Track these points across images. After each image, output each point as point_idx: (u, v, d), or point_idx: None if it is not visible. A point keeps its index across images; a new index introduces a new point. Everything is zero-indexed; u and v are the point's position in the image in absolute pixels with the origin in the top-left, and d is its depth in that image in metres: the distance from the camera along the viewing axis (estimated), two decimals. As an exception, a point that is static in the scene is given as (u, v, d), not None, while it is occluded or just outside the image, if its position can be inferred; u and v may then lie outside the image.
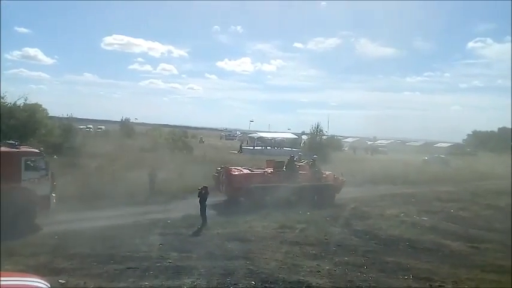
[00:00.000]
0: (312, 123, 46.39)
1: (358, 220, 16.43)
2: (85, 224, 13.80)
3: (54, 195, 14.63)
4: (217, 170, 20.64)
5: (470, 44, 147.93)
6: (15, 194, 13.16)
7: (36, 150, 14.92)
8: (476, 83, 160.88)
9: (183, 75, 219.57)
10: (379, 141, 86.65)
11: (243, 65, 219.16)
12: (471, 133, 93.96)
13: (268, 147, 52.07)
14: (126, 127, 66.26)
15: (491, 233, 15.93)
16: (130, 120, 71.96)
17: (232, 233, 13.84)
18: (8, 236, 11.29)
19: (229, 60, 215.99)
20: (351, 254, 12.07)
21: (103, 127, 78.29)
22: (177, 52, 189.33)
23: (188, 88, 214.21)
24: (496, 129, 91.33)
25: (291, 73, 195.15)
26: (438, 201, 22.05)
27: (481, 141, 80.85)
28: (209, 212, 15.79)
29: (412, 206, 20.04)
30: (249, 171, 20.34)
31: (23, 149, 14.70)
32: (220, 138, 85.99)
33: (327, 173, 21.74)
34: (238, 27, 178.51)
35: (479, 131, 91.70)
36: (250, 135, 65.96)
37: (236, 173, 19.75)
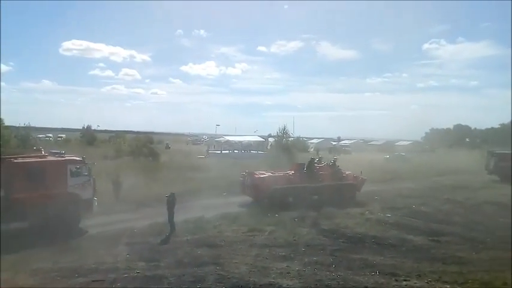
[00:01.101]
0: (278, 126, 46.75)
1: (326, 219, 16.71)
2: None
3: (95, 199, 15.96)
4: (242, 174, 21.87)
5: (426, 46, 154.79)
6: (63, 198, 14.56)
7: (80, 159, 16.18)
8: (432, 82, 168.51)
9: (147, 80, 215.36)
10: (343, 142, 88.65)
11: (208, 68, 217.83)
12: (429, 131, 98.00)
13: (235, 151, 51.98)
14: (87, 135, 64.06)
15: (450, 227, 16.67)
16: (92, 128, 69.59)
17: (201, 238, 13.74)
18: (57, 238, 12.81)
19: (194, 64, 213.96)
20: (320, 254, 12.26)
21: (63, 135, 75.27)
22: (140, 57, 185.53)
23: (152, 93, 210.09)
24: (451, 127, 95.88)
25: (256, 76, 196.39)
26: (400, 197, 22.81)
27: (439, 138, 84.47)
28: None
29: (376, 204, 20.61)
30: (271, 174, 21.63)
31: (68, 157, 16.12)
32: (187, 143, 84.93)
33: (347, 172, 22.83)
34: (202, 31, 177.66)
35: (437, 129, 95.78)
36: (216, 139, 65.60)
37: (259, 176, 20.98)
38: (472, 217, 18.49)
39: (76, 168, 15.49)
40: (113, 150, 41.68)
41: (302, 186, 20.57)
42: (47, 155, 16.29)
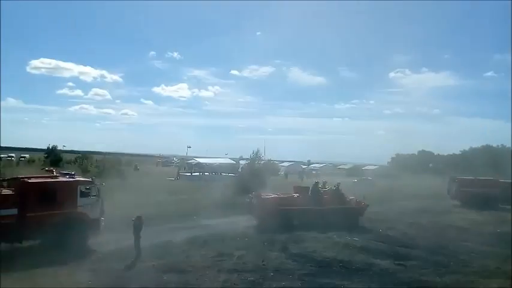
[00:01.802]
0: (250, 148, 46.97)
1: (294, 244, 16.72)
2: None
3: (103, 218, 16.32)
4: (249, 196, 22.44)
5: (392, 74, 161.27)
6: (73, 217, 15.15)
7: (89, 180, 17.26)
8: (398, 109, 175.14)
9: (117, 101, 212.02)
10: (312, 165, 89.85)
11: (180, 90, 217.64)
12: (395, 156, 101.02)
13: (206, 173, 51.58)
14: (52, 155, 61.86)
15: (416, 250, 17.04)
16: (58, 148, 67.30)
17: (168, 263, 13.41)
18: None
19: (166, 86, 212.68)
20: (288, 278, 12.26)
21: (27, 155, 72.32)
22: (111, 77, 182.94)
23: (122, 114, 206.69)
24: (416, 152, 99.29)
25: (228, 99, 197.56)
26: (368, 221, 23.18)
27: (403, 163, 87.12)
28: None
29: (342, 228, 20.82)
30: (277, 196, 22.18)
31: (78, 178, 16.87)
32: (157, 165, 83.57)
33: (351, 197, 23.18)
34: (175, 53, 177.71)
35: (402, 154, 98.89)
36: (187, 161, 64.96)
37: (266, 197, 21.60)
38: (436, 241, 18.99)
39: (86, 188, 16.16)
40: (79, 171, 40.36)
41: (307, 209, 21.03)
42: (58, 176, 17.04)
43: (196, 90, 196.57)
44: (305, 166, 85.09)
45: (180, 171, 54.57)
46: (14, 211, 14.18)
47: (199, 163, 56.93)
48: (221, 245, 15.86)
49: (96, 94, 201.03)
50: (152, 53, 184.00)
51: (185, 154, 76.29)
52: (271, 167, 61.39)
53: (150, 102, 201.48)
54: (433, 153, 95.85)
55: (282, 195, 22.55)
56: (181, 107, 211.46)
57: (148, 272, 12.48)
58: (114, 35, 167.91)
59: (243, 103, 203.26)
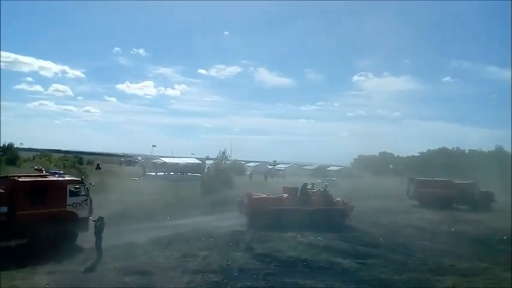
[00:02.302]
0: (217, 148, 46.93)
1: (259, 243, 16.82)
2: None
3: (91, 217, 16.02)
4: (241, 195, 23.05)
5: (355, 77, 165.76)
6: (62, 217, 15.27)
7: (78, 179, 17.29)
8: (361, 112, 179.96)
9: (79, 97, 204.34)
10: (278, 166, 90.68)
11: (146, 88, 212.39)
12: (357, 157, 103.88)
13: (171, 173, 50.84)
14: (8, 153, 58.77)
15: (375, 249, 17.61)
16: (15, 146, 63.99)
17: (131, 265, 13.14)
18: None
19: (131, 83, 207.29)
20: (253, 278, 12.36)
21: (-22, 153, 68.35)
22: (73, 72, 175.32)
23: (84, 111, 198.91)
24: (377, 154, 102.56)
25: (195, 98, 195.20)
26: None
27: (365, 164, 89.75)
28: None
29: (307, 228, 21.18)
30: (267, 196, 23.03)
31: (68, 177, 17.13)
32: (120, 164, 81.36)
33: (338, 198, 23.89)
34: (141, 50, 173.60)
35: (364, 155, 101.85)
36: (152, 160, 63.74)
37: (256, 197, 22.34)
38: (395, 240, 19.72)
39: (75, 188, 16.24)
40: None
41: (295, 209, 21.63)
42: (47, 175, 17.11)
43: (162, 88, 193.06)
44: (271, 166, 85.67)
45: (145, 171, 53.48)
46: (4, 209, 14.19)
47: (164, 163, 56.00)
48: (186, 246, 15.72)
49: (57, 90, 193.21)
50: (117, 49, 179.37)
51: (150, 153, 74.78)
52: (238, 167, 61.50)
53: (113, 99, 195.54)
54: (393, 155, 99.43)
55: (271, 196, 23.36)
56: (146, 105, 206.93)
57: (109, 274, 12.17)
58: (77, 29, 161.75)
59: (210, 102, 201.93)
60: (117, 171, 55.82)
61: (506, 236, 22.13)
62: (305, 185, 23.81)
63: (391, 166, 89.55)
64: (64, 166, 41.54)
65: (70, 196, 15.84)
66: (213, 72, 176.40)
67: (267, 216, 20.88)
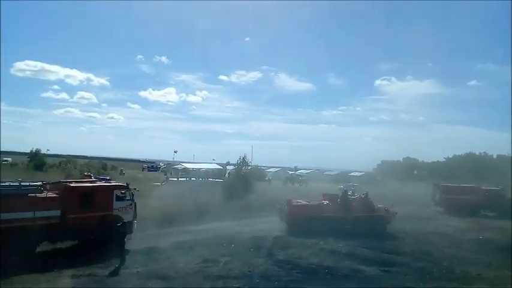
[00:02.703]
0: (237, 154, 46.94)
1: (280, 250, 16.73)
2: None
3: (135, 221, 17.21)
4: (281, 202, 23.23)
5: (378, 82, 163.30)
6: (108, 220, 15.88)
7: (124, 184, 17.78)
8: (383, 116, 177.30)
9: (103, 104, 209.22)
10: (299, 171, 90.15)
11: (168, 95, 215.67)
12: (380, 163, 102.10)
13: (192, 178, 51.26)
14: (36, 159, 60.66)
15: (400, 257, 17.22)
16: (42, 152, 65.98)
17: (153, 270, 13.28)
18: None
19: (153, 90, 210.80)
20: (274, 285, 12.28)
21: (9, 159, 70.58)
22: (97, 80, 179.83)
23: (108, 117, 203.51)
24: (401, 159, 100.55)
25: (216, 104, 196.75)
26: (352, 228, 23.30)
27: (389, 170, 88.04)
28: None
29: (330, 234, 20.91)
30: (307, 203, 22.90)
31: (114, 183, 18.02)
32: (142, 170, 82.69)
33: (379, 205, 23.59)
34: (163, 58, 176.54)
35: (387, 161, 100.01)
36: (174, 166, 64.49)
37: (297, 204, 22.35)
38: (420, 247, 19.21)
39: (121, 193, 16.92)
40: (63, 175, 39.70)
41: (336, 216, 21.54)
42: (96, 180, 18.12)
43: (184, 94, 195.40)
44: (292, 172, 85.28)
45: (167, 177, 54.12)
46: (57, 213, 14.96)
47: (186, 168, 56.57)
48: (207, 251, 15.76)
49: (82, 97, 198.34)
50: (140, 56, 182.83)
51: (172, 159, 75.60)
52: (258, 172, 61.47)
53: (136, 106, 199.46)
54: (418, 160, 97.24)
55: (312, 203, 23.24)
56: (168, 112, 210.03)
57: (132, 279, 12.33)
58: (101, 38, 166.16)
59: (230, 108, 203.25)
60: (140, 176, 56.70)
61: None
62: (345, 191, 23.82)
63: (415, 172, 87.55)
64: (89, 171, 42.39)
65: (116, 201, 16.62)
66: (233, 78, 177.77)
67: (307, 223, 20.84)
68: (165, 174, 57.64)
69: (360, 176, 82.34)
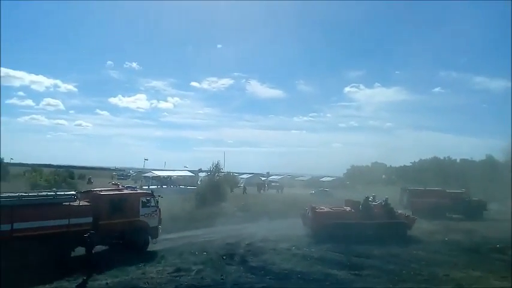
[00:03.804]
0: (209, 161, 46.69)
1: (253, 256, 16.75)
2: None
3: (160, 226, 18.42)
4: (305, 208, 24.04)
5: (347, 89, 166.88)
6: (136, 225, 17.18)
7: (149, 192, 19.33)
8: (353, 123, 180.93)
9: (71, 111, 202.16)
10: (271, 177, 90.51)
11: (138, 101, 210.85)
12: (350, 168, 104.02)
13: (164, 186, 50.46)
14: (-3, 168, 57.95)
15: (370, 260, 17.57)
16: (5, 161, 63.21)
17: (123, 282, 12.95)
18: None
19: (123, 96, 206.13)
20: (247, 292, 12.20)
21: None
22: (65, 86, 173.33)
23: (76, 125, 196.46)
24: (370, 164, 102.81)
25: (188, 111, 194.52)
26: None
27: (358, 175, 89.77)
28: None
29: (302, 238, 21.14)
30: (330, 209, 23.45)
31: (140, 191, 19.70)
32: (112, 178, 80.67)
33: (399, 211, 24.78)
34: (134, 64, 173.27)
35: (357, 166, 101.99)
36: (144, 174, 63.23)
37: (320, 210, 22.92)
38: (389, 250, 19.66)
39: (147, 200, 18.06)
40: (27, 185, 38.16)
41: (358, 222, 22.15)
42: (123, 189, 19.13)
43: (155, 101, 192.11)
44: (264, 178, 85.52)
45: (142, 184, 53.02)
46: (89, 219, 15.81)
47: (157, 176, 55.64)
48: (179, 260, 15.55)
49: (49, 104, 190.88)
50: (109, 62, 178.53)
51: (142, 167, 74.03)
52: (231, 179, 61.22)
53: (106, 113, 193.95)
54: (386, 165, 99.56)
55: (334, 209, 23.81)
56: (138, 118, 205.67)
57: (102, 291, 11.98)
58: (69, 44, 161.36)
59: (202, 115, 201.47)
60: (109, 185, 55.33)
61: (499, 244, 22.23)
62: (367, 198, 24.24)
63: (384, 176, 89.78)
64: (55, 181, 41.08)
65: (142, 207, 17.73)
66: (205, 85, 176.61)
67: (331, 229, 21.46)
68: (135, 183, 56.43)
69: (330, 181, 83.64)
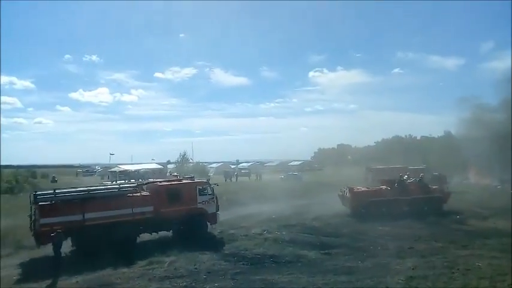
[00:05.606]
0: (177, 152, 46.22)
1: (226, 243, 16.90)
2: None
3: (218, 213, 19.40)
4: (342, 189, 25.45)
5: (311, 73, 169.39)
6: (194, 212, 18.48)
7: (205, 181, 20.70)
8: (318, 107, 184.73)
9: (29, 109, 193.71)
10: (241, 165, 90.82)
11: (100, 95, 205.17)
12: (317, 150, 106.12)
13: (131, 180, 49.49)
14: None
15: (339, 239, 18.19)
16: (-43, 163, 59.79)
17: (93, 279, 12.73)
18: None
19: (84, 91, 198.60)
20: (221, 279, 12.37)
21: None
22: (21, 83, 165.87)
23: (36, 122, 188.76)
24: (336, 146, 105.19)
25: (152, 102, 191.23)
26: (295, 214, 24.14)
27: (325, 157, 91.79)
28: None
29: (273, 223, 21.46)
30: (367, 189, 25.42)
31: (197, 180, 20.80)
32: (76, 175, 78.19)
33: (434, 186, 25.89)
34: (94, 57, 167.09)
35: (323, 149, 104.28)
36: (111, 169, 61.72)
37: (357, 190, 24.60)
38: (357, 228, 20.39)
39: (203, 188, 19.15)
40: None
41: (394, 199, 23.72)
42: (182, 179, 20.87)
43: (118, 94, 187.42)
44: (234, 166, 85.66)
45: (103, 181, 51.74)
46: (150, 208, 17.38)
47: (124, 170, 54.50)
48: (150, 253, 15.41)
49: (5, 102, 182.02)
50: (67, 56, 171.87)
51: (108, 162, 72.11)
52: (200, 168, 60.92)
53: (67, 108, 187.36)
54: (351, 146, 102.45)
55: (371, 188, 25.68)
56: (101, 113, 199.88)
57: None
58: (24, 38, 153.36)
59: (168, 106, 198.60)
60: (75, 182, 53.58)
61: (459, 215, 23.55)
62: (401, 176, 25.59)
63: (349, 157, 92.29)
64: (17, 181, 39.51)
65: (199, 195, 18.80)
66: (168, 75, 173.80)
67: (368, 207, 23.30)
68: (102, 179, 55.07)
69: (299, 164, 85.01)
